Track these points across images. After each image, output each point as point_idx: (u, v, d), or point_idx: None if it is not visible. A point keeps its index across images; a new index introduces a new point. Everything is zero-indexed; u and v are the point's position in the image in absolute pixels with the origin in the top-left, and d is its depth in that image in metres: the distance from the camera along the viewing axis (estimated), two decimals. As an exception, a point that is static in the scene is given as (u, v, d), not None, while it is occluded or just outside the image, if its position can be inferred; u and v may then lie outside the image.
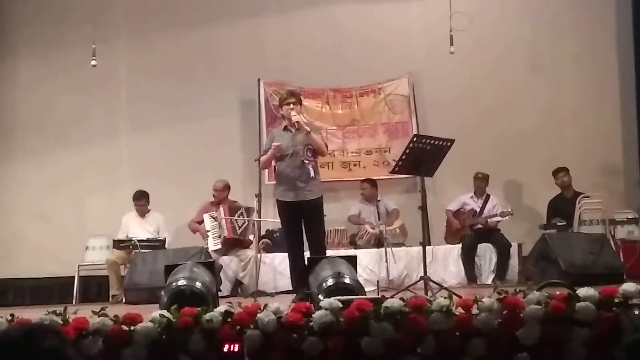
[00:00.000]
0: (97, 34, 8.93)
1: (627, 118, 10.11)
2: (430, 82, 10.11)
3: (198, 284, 3.57)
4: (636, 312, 4.36)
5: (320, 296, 3.57)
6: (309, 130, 6.55)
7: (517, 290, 4.72)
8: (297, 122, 6.53)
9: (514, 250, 8.97)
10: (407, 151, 6.21)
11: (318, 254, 6.69)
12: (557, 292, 4.61)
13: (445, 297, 4.40)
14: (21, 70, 10.17)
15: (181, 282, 3.56)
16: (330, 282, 3.57)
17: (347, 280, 3.58)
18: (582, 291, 4.53)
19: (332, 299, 3.50)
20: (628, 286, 4.61)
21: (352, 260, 3.90)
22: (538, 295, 4.45)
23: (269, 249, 7.67)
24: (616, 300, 4.51)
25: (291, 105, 6.68)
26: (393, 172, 6.59)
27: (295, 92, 6.92)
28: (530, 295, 4.46)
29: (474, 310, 4.30)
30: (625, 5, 10.19)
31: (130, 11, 10.16)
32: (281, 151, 6.67)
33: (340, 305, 3.56)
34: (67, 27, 9.92)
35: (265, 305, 3.93)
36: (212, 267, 3.89)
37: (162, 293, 3.52)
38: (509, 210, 9.03)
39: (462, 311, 4.28)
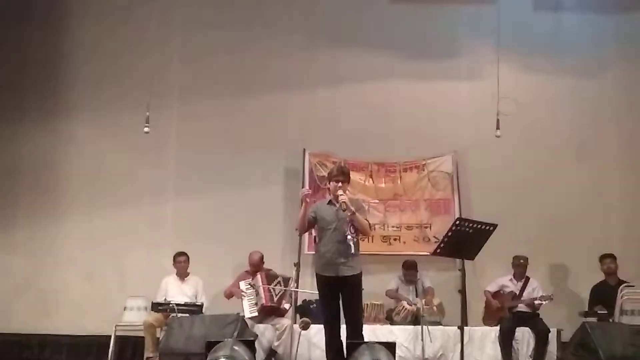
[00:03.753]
0: (150, 100, 9.21)
1: (673, 208, 10.03)
2: (475, 161, 10.20)
3: (238, 364, 3.59)
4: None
5: (358, 383, 3.57)
6: (353, 211, 6.58)
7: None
8: (344, 202, 6.55)
9: (552, 336, 8.82)
10: (450, 234, 6.22)
11: (355, 330, 6.72)
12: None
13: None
14: (76, 127, 10.54)
15: (222, 360, 3.58)
16: (369, 370, 3.57)
17: (386, 368, 3.57)
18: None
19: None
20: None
21: (391, 348, 3.90)
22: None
23: (307, 328, 7.66)
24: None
25: (340, 184, 6.73)
26: (435, 254, 6.57)
27: (345, 171, 6.92)
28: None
29: None
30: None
31: (184, 79, 10.52)
32: (308, 196, 6.72)
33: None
34: (123, 89, 10.32)
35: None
36: (252, 345, 3.91)
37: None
38: (549, 294, 8.93)
39: None
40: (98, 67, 10.54)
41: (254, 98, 10.42)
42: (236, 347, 3.75)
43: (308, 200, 6.75)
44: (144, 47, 10.42)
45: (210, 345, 3.82)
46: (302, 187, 9.95)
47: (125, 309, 9.42)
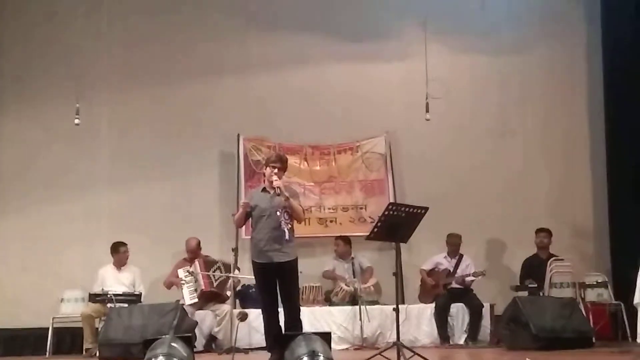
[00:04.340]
0: (80, 91, 9.15)
1: (598, 182, 10.37)
2: (407, 141, 10.34)
3: (176, 360, 3.65)
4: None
5: (295, 374, 3.67)
6: (287, 196, 6.67)
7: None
8: (279, 187, 6.64)
9: (486, 310, 9.09)
10: (383, 218, 6.34)
11: (292, 315, 6.85)
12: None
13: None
14: (5, 121, 10.30)
15: (160, 359, 3.64)
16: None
17: (321, 359, 3.68)
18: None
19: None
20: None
21: (327, 338, 4.00)
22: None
23: (245, 319, 7.75)
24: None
25: (275, 170, 6.80)
26: (369, 238, 6.70)
27: (283, 159, 7.01)
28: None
29: None
30: (596, 68, 10.50)
31: (115, 68, 10.34)
32: (248, 208, 6.81)
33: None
34: (51, 83, 10.13)
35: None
36: (190, 341, 3.97)
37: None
38: (482, 270, 9.17)
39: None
40: (25, 59, 10.31)
41: (186, 84, 10.35)
42: (174, 344, 3.79)
43: (247, 210, 6.83)
44: (73, 37, 10.24)
45: (148, 343, 3.86)
46: (238, 172, 10.03)
47: (62, 300, 9.34)
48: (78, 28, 10.27)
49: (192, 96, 10.38)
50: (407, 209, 6.36)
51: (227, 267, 8.98)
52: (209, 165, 10.31)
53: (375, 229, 6.42)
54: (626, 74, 9.94)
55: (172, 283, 9.17)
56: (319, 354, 3.70)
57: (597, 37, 10.52)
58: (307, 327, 7.87)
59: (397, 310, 6.42)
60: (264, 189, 6.96)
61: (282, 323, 6.95)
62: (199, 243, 9.31)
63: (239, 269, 8.89)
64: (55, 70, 10.13)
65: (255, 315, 8.37)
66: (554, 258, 9.33)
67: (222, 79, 10.49)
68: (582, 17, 10.73)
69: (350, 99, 10.40)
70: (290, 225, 6.72)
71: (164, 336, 3.91)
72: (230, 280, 8.89)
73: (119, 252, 9.36)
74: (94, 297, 8.87)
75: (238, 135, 10.12)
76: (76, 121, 8.82)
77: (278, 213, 6.71)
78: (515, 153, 10.43)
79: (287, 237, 6.64)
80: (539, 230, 9.61)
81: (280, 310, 6.95)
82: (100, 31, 10.33)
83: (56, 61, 10.19)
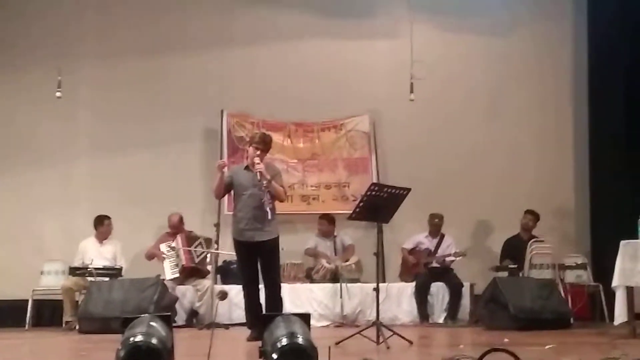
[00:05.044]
0: (64, 63, 9.03)
1: (580, 163, 10.41)
2: (391, 120, 10.31)
3: (154, 340, 3.65)
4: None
5: (273, 355, 3.68)
6: (269, 179, 6.68)
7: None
8: (260, 172, 6.65)
9: (465, 290, 9.17)
10: (365, 199, 6.34)
11: (273, 292, 6.95)
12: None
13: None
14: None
15: (138, 338, 3.63)
16: (284, 341, 3.67)
17: (300, 341, 3.69)
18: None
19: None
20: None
21: (306, 319, 4.00)
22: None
23: (225, 299, 7.76)
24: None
25: (258, 152, 6.79)
26: (351, 218, 6.70)
27: (267, 140, 7.02)
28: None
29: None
30: (581, 53, 10.51)
31: (95, 32, 10.19)
32: (223, 167, 6.89)
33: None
34: (33, 50, 9.96)
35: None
36: (169, 320, 3.97)
37: (120, 347, 3.60)
38: (463, 251, 9.22)
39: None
40: (9, 30, 10.15)
41: (171, 58, 10.23)
42: (153, 323, 3.79)
43: (224, 171, 6.84)
44: (52, 2, 10.15)
45: (127, 322, 3.85)
46: (221, 148, 9.98)
47: (42, 273, 9.31)
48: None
49: (176, 70, 10.25)
50: (389, 190, 6.36)
51: (208, 243, 9.00)
52: (193, 140, 10.24)
53: (357, 209, 6.42)
54: (610, 56, 9.98)
55: (154, 255, 9.18)
56: (298, 336, 3.70)
57: (583, 18, 10.50)
58: (287, 305, 7.96)
59: (377, 290, 6.44)
60: (246, 167, 6.97)
61: (262, 300, 7.02)
62: (181, 219, 9.30)
63: (217, 245, 8.91)
64: (37, 39, 9.97)
65: (236, 292, 8.39)
66: (534, 239, 9.39)
67: (206, 54, 10.37)
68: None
69: (334, 77, 10.33)
70: (272, 205, 6.73)
71: (142, 315, 3.90)
72: (211, 256, 8.91)
73: (102, 225, 9.34)
74: (74, 271, 8.87)
75: (222, 111, 10.06)
76: (58, 94, 8.71)
77: (261, 192, 6.72)
78: (501, 135, 10.42)
79: (269, 216, 6.67)
80: (527, 212, 9.65)
81: (261, 287, 7.00)
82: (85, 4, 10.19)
83: (38, 32, 10.02)
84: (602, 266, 8.91)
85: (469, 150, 10.32)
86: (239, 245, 6.90)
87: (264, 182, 6.63)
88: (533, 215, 9.64)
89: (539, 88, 10.52)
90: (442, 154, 10.27)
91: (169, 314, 4.45)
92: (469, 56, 10.56)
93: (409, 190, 6.37)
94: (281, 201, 6.99)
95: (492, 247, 10.05)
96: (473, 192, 10.18)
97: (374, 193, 6.29)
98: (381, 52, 10.46)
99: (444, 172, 10.18)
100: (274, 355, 3.65)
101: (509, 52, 10.53)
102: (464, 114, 10.41)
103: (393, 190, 6.35)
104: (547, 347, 5.92)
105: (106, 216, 9.38)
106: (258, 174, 6.63)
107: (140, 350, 3.60)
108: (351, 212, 6.65)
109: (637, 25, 9.72)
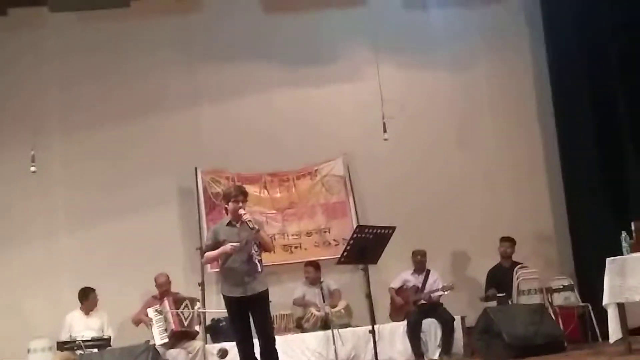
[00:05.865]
0: (31, 129, 9.08)
1: (554, 188, 10.54)
2: (365, 161, 10.38)
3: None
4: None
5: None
6: (258, 229, 6.67)
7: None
8: (250, 221, 6.63)
9: (457, 323, 9.14)
10: (352, 242, 6.36)
11: (268, 345, 6.86)
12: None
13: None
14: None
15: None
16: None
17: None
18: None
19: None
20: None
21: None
22: None
23: (225, 357, 7.71)
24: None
25: (240, 204, 6.79)
26: (340, 263, 6.71)
27: (243, 190, 7.00)
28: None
29: None
30: (543, 79, 10.72)
31: (61, 107, 10.20)
32: (236, 250, 6.73)
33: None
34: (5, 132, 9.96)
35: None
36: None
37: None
38: (450, 284, 9.22)
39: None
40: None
41: (139, 122, 10.24)
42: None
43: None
44: (19, 81, 10.13)
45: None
46: (199, 206, 9.94)
47: (29, 351, 9.08)
48: (23, 66, 10.15)
49: (145, 132, 10.27)
50: (374, 230, 6.40)
51: (193, 302, 8.92)
52: (169, 201, 10.20)
53: (345, 253, 6.44)
54: (572, 79, 10.14)
55: (141, 320, 9.05)
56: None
57: (541, 45, 10.73)
58: (281, 356, 7.83)
59: (373, 332, 6.42)
60: (229, 223, 6.93)
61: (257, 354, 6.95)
62: (168, 278, 9.21)
63: (204, 304, 8.85)
64: (8, 117, 9.99)
65: (229, 349, 8.34)
66: (519, 266, 9.43)
67: (173, 113, 10.39)
68: (524, 26, 10.96)
69: (306, 124, 10.43)
70: (260, 257, 6.71)
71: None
72: (199, 315, 8.81)
73: (88, 299, 9.21)
74: (62, 345, 8.68)
75: (196, 169, 10.04)
76: (32, 169, 8.67)
77: (249, 245, 6.71)
78: (474, 166, 10.54)
79: (259, 268, 6.65)
80: (503, 239, 9.71)
81: (255, 341, 6.93)
82: (46, 74, 10.20)
83: (10, 109, 10.04)
84: (588, 286, 9.00)
85: (445, 184, 10.40)
86: (230, 301, 6.83)
87: (256, 227, 6.61)
88: (509, 242, 9.70)
89: (506, 116, 10.69)
90: (419, 190, 10.34)
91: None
92: (435, 91, 10.71)
93: (394, 228, 6.41)
94: (268, 251, 6.95)
95: (477, 277, 10.06)
96: (453, 225, 10.24)
97: (360, 235, 6.32)
98: (348, 95, 10.58)
99: (422, 208, 10.24)
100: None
101: (473, 84, 10.72)
102: (435, 149, 10.54)
103: (378, 231, 6.39)
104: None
105: (91, 289, 9.25)
106: (248, 222, 6.61)
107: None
108: (337, 257, 6.66)
109: (593, 47, 9.91)
